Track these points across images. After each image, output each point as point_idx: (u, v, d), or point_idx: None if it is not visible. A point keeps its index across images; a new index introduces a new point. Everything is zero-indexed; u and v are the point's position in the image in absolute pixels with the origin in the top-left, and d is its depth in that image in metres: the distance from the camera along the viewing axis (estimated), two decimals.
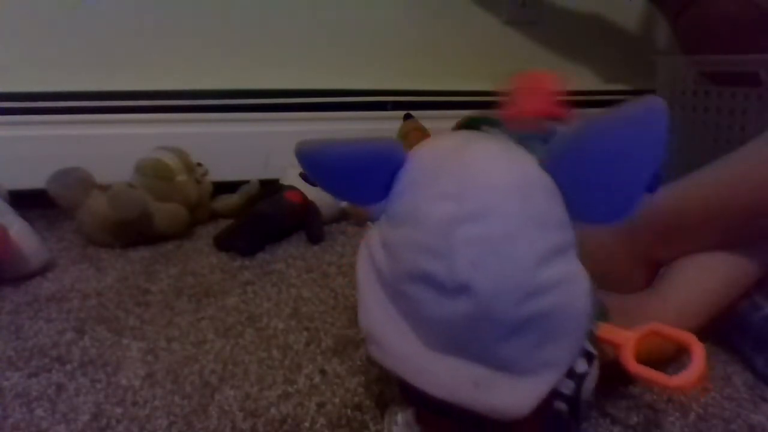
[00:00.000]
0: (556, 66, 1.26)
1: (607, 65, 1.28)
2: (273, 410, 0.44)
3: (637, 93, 1.24)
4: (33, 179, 0.86)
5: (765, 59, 0.88)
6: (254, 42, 1.08)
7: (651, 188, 0.30)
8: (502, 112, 0.45)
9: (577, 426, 0.36)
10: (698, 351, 0.37)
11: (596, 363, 0.36)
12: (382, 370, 0.36)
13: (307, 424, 0.43)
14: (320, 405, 0.45)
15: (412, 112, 1.10)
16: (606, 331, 0.40)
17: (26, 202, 0.84)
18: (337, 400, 0.46)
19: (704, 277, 0.52)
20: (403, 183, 0.33)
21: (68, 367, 0.51)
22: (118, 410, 0.44)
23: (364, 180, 0.34)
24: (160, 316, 0.62)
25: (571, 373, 0.34)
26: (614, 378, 0.42)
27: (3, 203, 0.77)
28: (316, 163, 0.35)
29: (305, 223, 0.90)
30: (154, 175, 0.88)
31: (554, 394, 0.33)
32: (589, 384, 0.35)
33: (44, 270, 0.74)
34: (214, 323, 0.60)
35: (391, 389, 0.46)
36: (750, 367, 0.51)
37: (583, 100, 1.24)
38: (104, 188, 0.84)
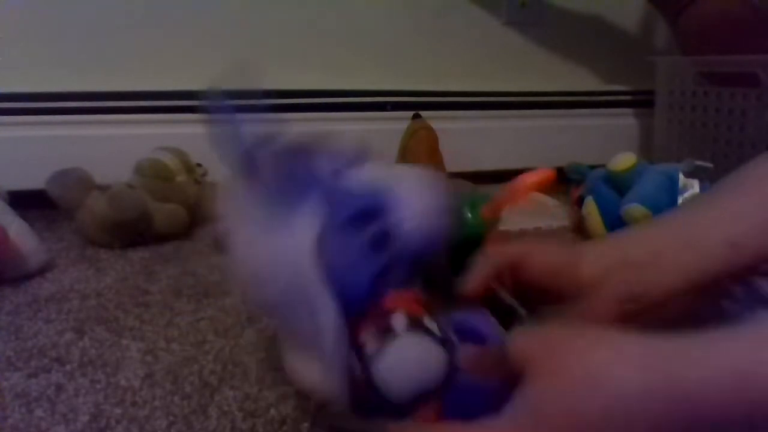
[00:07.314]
0: (556, 66, 1.26)
1: (607, 65, 1.28)
2: (272, 411, 0.44)
3: (637, 93, 1.24)
4: (33, 179, 0.86)
5: (764, 59, 0.88)
6: (254, 42, 1.08)
7: None
8: None
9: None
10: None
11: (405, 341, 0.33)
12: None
13: (306, 425, 0.43)
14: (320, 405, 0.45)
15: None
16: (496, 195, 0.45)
17: (26, 202, 0.84)
18: None
19: None
20: None
21: (68, 367, 0.51)
22: (118, 411, 0.44)
23: None
24: (159, 316, 0.61)
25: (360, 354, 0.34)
26: None
27: (2, 203, 0.76)
28: None
29: None
30: (154, 175, 0.87)
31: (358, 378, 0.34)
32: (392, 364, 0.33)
33: (44, 270, 0.74)
34: (213, 323, 0.60)
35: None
36: None
37: (583, 101, 1.24)
38: (104, 188, 0.84)
